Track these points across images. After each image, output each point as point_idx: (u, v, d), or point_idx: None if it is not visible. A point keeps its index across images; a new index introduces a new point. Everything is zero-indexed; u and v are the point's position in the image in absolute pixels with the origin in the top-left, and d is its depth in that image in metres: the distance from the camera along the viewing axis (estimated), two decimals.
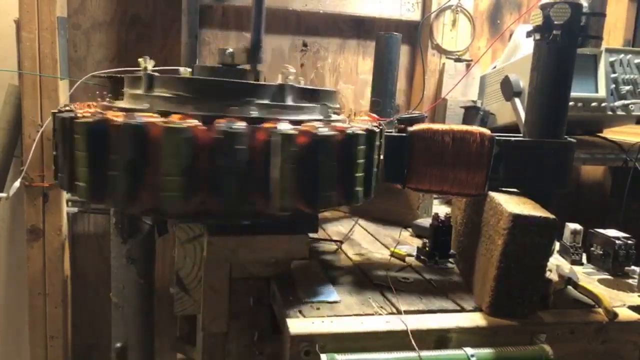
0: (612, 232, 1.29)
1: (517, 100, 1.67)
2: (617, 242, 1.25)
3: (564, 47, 1.10)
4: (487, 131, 1.13)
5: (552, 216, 0.92)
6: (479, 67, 2.02)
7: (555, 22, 1.09)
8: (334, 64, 2.02)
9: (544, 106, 1.14)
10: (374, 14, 1.96)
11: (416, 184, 1.16)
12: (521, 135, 1.23)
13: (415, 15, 2.00)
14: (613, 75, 1.62)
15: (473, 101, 1.94)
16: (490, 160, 1.11)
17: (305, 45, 1.97)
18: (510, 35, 2.19)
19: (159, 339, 1.68)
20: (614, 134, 1.89)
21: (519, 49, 1.93)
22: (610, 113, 1.61)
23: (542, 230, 0.91)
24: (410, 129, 1.14)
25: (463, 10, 1.99)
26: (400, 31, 1.93)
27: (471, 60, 1.96)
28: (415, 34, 2.04)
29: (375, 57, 1.73)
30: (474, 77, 1.97)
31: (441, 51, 1.99)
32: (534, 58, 1.16)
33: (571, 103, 1.57)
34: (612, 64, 1.62)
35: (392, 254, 1.28)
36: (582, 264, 1.31)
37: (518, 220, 0.91)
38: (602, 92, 1.60)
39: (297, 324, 0.84)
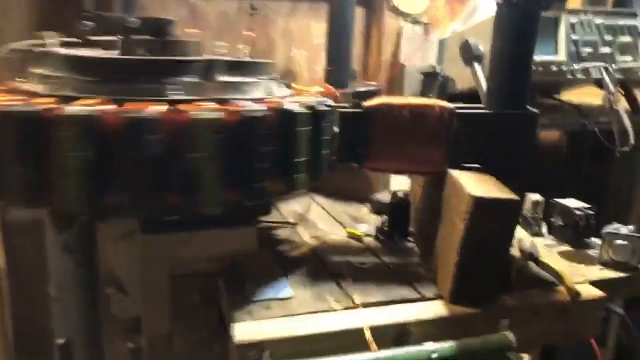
0: (572, 202, 1.26)
1: (476, 65, 1.60)
2: (577, 212, 1.22)
3: (528, 10, 1.02)
4: (447, 104, 1.05)
5: (515, 197, 0.86)
6: (438, 29, 1.93)
7: None
8: (285, 29, 1.89)
9: (506, 74, 1.07)
10: None
11: (374, 163, 1.08)
12: (482, 105, 1.16)
13: None
14: (573, 37, 1.57)
15: (432, 66, 1.86)
16: (450, 136, 1.04)
17: (253, 8, 1.82)
18: None
19: (108, 329, 1.58)
20: (570, 96, 1.86)
21: (478, 10, 1.85)
22: (570, 77, 1.56)
23: (505, 213, 0.86)
24: (365, 104, 1.05)
25: None
26: None
27: (429, 24, 1.86)
28: None
29: (329, 22, 1.62)
30: (433, 40, 1.88)
31: (398, 13, 1.89)
32: (495, 22, 1.08)
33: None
34: (572, 26, 1.57)
35: (350, 235, 1.21)
36: (542, 236, 1.29)
37: (480, 203, 0.84)
38: (562, 55, 1.55)
39: (245, 329, 0.76)
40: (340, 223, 1.31)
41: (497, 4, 1.05)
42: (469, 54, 1.61)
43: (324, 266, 1.03)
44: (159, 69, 0.84)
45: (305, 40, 1.92)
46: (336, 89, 1.49)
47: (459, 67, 1.72)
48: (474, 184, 0.92)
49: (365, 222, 1.31)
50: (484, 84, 1.58)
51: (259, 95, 0.91)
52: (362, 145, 1.04)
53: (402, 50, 1.87)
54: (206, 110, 0.75)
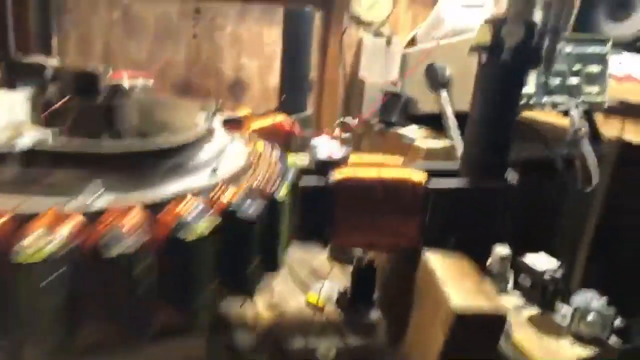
0: (540, 260, 1.21)
1: (443, 94, 1.50)
2: (545, 278, 1.16)
3: (516, 71, 0.92)
4: (421, 178, 0.94)
5: (502, 310, 0.77)
6: (401, 40, 1.80)
7: (507, 45, 0.89)
8: (234, 34, 1.69)
9: (487, 141, 0.97)
10: None
11: (342, 239, 0.97)
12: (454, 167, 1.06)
13: None
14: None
15: (394, 82, 1.74)
16: (425, 210, 0.94)
17: (197, 11, 1.61)
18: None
19: None
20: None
21: (443, 24, 1.73)
22: (539, 110, 1.49)
23: (490, 327, 0.77)
24: (333, 178, 0.92)
25: None
26: None
27: (392, 36, 1.72)
28: None
29: (284, 38, 1.45)
30: (394, 54, 1.75)
31: (359, 23, 1.73)
32: (478, 79, 0.96)
33: None
34: None
35: (309, 304, 1.10)
36: (508, 293, 1.23)
37: (463, 320, 0.75)
38: (531, 87, 1.47)
39: None
40: (298, 279, 1.19)
41: (481, 65, 0.94)
42: (434, 80, 1.50)
43: (284, 357, 0.92)
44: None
45: (256, 48, 1.74)
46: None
47: (422, 87, 1.62)
48: (454, 282, 0.82)
49: (325, 278, 1.20)
50: (450, 115, 1.49)
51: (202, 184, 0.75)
52: (327, 221, 0.92)
53: (363, 64, 1.72)
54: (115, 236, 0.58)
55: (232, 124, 1.23)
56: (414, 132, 1.60)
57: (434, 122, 1.62)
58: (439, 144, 1.51)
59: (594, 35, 1.60)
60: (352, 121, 1.75)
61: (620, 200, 1.68)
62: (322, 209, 0.92)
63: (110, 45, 1.51)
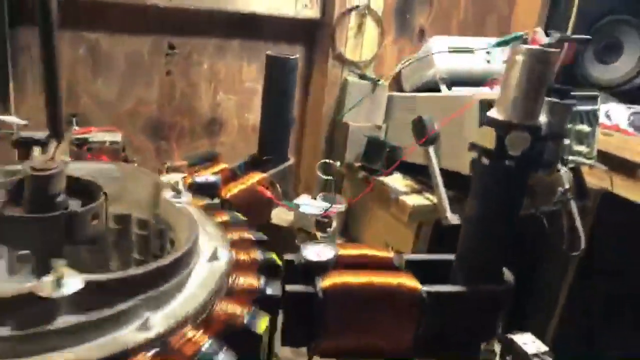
0: (528, 342, 1.17)
1: (431, 150, 1.43)
2: None
3: (521, 174, 0.86)
4: (416, 283, 0.88)
5: None
6: (385, 79, 1.72)
7: (512, 153, 0.83)
8: (211, 70, 1.58)
9: (486, 241, 0.91)
10: (261, 11, 1.52)
11: (328, 345, 0.90)
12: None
13: (313, 12, 1.59)
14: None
15: (378, 127, 1.66)
16: (422, 318, 0.88)
17: (172, 47, 1.49)
18: (421, 33, 1.91)
19: None
20: None
21: (432, 66, 1.66)
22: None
23: None
24: (321, 284, 0.85)
25: (371, 11, 1.63)
26: (296, 31, 1.54)
27: (378, 80, 1.64)
28: (313, 33, 1.66)
29: (266, 85, 1.35)
30: (380, 97, 1.67)
31: (343, 61, 1.65)
32: (476, 178, 0.90)
33: None
34: None
35: None
36: None
37: None
38: None
39: None
40: None
41: (482, 165, 0.87)
42: (422, 134, 1.43)
43: None
44: None
45: (234, 84, 1.64)
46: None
47: (408, 135, 1.55)
48: None
49: None
50: (437, 172, 1.43)
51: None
52: (314, 330, 0.85)
53: (347, 105, 1.64)
54: None
55: (205, 189, 1.14)
56: (398, 183, 1.54)
57: (419, 172, 1.57)
58: (424, 201, 1.45)
59: (584, 90, 1.56)
60: (335, 164, 1.68)
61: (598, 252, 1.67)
62: (308, 317, 0.85)
63: (75, 83, 1.39)
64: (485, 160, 0.87)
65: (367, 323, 0.87)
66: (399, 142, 1.59)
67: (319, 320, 0.85)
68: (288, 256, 0.94)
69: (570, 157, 1.47)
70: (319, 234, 1.28)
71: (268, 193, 1.18)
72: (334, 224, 1.31)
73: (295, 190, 1.79)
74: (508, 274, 0.94)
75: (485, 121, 0.87)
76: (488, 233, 0.90)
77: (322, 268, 0.87)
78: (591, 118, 1.52)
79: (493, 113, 0.86)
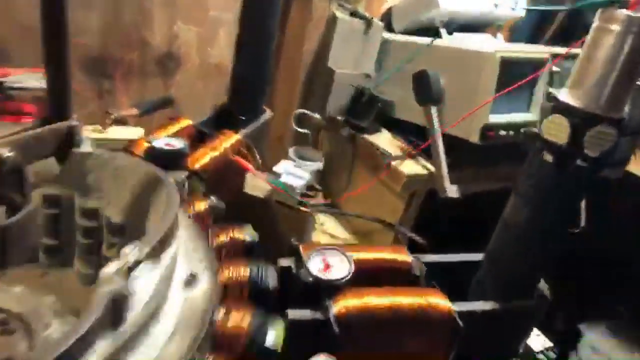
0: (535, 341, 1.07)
1: (433, 111, 1.23)
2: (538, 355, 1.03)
3: (586, 181, 0.68)
4: (448, 303, 0.71)
5: None
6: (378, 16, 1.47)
7: (589, 152, 0.64)
8: None
9: (530, 254, 0.74)
10: None
11: None
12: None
13: None
14: (550, 90, 1.26)
15: (367, 75, 1.43)
16: (453, 339, 0.72)
17: None
18: None
19: None
20: None
21: (435, 6, 1.41)
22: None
23: None
24: (334, 310, 0.65)
25: None
26: None
27: (372, 18, 1.38)
28: None
29: (243, 18, 1.07)
30: (373, 40, 1.42)
31: None
32: (529, 180, 0.71)
33: (502, 132, 1.19)
34: (551, 75, 1.25)
35: None
36: None
37: None
38: (535, 114, 1.25)
39: None
40: None
41: (544, 162, 0.68)
42: (424, 92, 1.22)
43: None
44: None
45: (196, 12, 1.32)
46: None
47: (402, 90, 1.34)
48: None
49: None
50: (438, 138, 1.23)
51: None
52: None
53: (333, 51, 1.38)
54: None
55: (169, 159, 0.90)
56: (389, 144, 1.34)
57: (411, 132, 1.37)
58: (420, 169, 1.27)
59: None
60: (314, 116, 1.45)
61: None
62: (315, 349, 0.66)
63: None
64: (548, 157, 0.68)
65: (390, 354, 0.70)
66: (391, 96, 1.37)
67: (330, 351, 0.67)
68: (283, 261, 0.74)
69: None
70: (303, 209, 1.07)
71: (247, 165, 0.94)
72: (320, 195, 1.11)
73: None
74: (543, 285, 0.79)
75: (552, 106, 0.68)
76: (536, 244, 0.73)
77: (331, 289, 0.68)
78: None
79: (566, 97, 0.66)
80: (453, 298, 0.72)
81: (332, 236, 1.36)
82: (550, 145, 0.66)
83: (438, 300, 0.71)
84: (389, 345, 0.68)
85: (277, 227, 1.11)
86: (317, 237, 1.34)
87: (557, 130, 0.65)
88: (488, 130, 1.15)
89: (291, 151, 1.50)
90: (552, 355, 1.05)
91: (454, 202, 1.22)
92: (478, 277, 0.81)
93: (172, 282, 0.51)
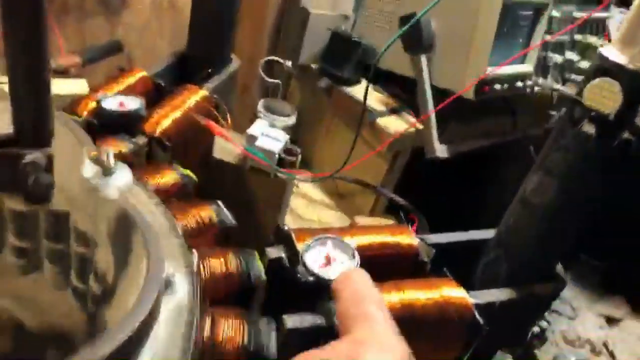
0: None
1: (423, 59, 1.10)
2: None
3: (630, 158, 0.58)
4: (465, 298, 0.61)
5: None
6: None
7: None
8: None
9: (554, 237, 0.65)
10: None
11: None
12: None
13: None
14: (547, 38, 1.15)
15: (345, 17, 1.26)
16: (470, 336, 0.63)
17: None
18: None
19: None
20: None
21: None
22: (528, 93, 1.18)
23: None
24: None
25: None
26: None
27: None
28: None
29: None
30: None
31: None
32: (561, 154, 0.60)
33: (497, 86, 1.08)
34: (550, 21, 1.13)
35: None
36: None
37: None
38: (530, 65, 1.14)
39: None
40: None
41: (583, 134, 0.57)
42: (416, 40, 1.09)
43: None
44: None
45: None
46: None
47: (385, 32, 1.20)
48: None
49: None
50: (427, 91, 1.11)
51: None
52: None
53: None
54: None
55: (122, 121, 0.74)
56: (370, 98, 1.21)
57: (396, 84, 1.24)
58: (406, 126, 1.15)
59: None
60: (285, 64, 1.28)
61: None
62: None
63: None
64: (589, 128, 0.57)
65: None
66: (374, 41, 1.22)
67: None
68: (271, 252, 0.62)
69: (573, 76, 1.22)
70: (282, 176, 0.94)
71: (217, 128, 0.79)
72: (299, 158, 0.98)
73: None
74: (560, 269, 0.71)
75: (597, 67, 0.56)
76: (566, 224, 0.64)
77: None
78: (600, 27, 1.27)
79: (615, 56, 0.55)
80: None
81: (308, 199, 1.25)
82: (594, 115, 0.55)
83: (454, 293, 0.61)
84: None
85: (251, 197, 0.98)
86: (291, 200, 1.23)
87: (605, 97, 0.54)
88: (484, 84, 1.04)
89: (260, 104, 1.34)
90: None
91: (442, 162, 1.13)
92: (488, 259, 0.73)
93: None
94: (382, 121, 1.13)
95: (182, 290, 0.42)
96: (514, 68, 1.11)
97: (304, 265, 0.56)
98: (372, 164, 1.21)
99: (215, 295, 0.54)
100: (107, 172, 0.45)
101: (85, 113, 0.74)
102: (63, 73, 0.95)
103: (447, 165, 1.16)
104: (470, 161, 1.26)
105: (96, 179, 0.44)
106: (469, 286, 0.63)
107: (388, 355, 0.34)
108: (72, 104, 0.75)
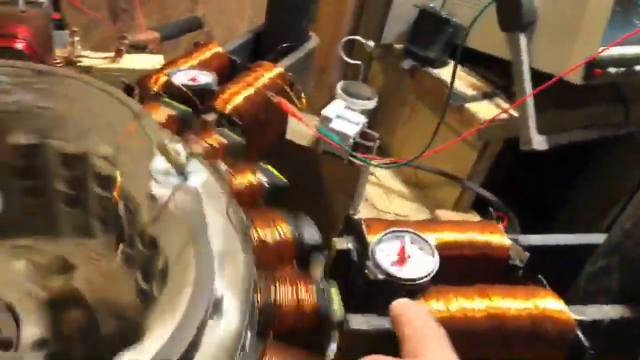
0: None
1: (522, 38, 0.98)
2: None
3: None
4: (566, 313, 0.51)
5: None
6: None
7: None
8: None
9: None
10: None
11: None
12: None
13: None
14: None
15: None
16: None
17: None
18: None
19: None
20: None
21: None
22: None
23: None
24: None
25: None
26: None
27: None
28: None
29: None
30: None
31: None
32: None
33: (611, 69, 0.94)
34: None
35: None
36: None
37: None
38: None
39: None
40: None
41: None
42: (512, 16, 0.97)
43: None
44: None
45: None
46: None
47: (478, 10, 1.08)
48: None
49: None
50: (526, 74, 0.99)
51: None
52: None
53: None
54: None
55: (197, 95, 0.71)
56: (460, 80, 1.10)
57: (489, 66, 1.12)
58: (496, 112, 1.03)
59: None
60: (367, 44, 1.21)
61: None
62: None
63: None
64: None
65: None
66: (464, 19, 1.11)
67: None
68: (339, 243, 0.56)
69: None
70: (357, 162, 0.88)
71: (291, 108, 0.74)
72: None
73: None
74: None
75: None
76: None
77: (414, 289, 0.49)
78: None
79: None
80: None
81: (385, 188, 1.17)
82: None
83: (552, 305, 0.52)
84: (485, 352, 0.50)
85: (323, 182, 0.92)
86: (366, 188, 1.16)
87: None
88: (594, 66, 0.90)
89: (339, 87, 1.28)
90: None
91: (540, 155, 1.00)
92: (595, 268, 0.62)
93: None
94: (471, 106, 1.03)
95: (232, 310, 0.36)
96: (633, 49, 0.96)
97: (374, 260, 0.49)
98: (459, 154, 1.11)
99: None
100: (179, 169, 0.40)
101: (155, 87, 0.72)
102: (141, 49, 0.94)
103: (543, 159, 1.04)
104: (571, 155, 1.12)
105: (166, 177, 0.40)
106: (566, 299, 0.54)
107: None
108: (143, 78, 0.73)
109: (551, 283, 0.56)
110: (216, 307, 0.34)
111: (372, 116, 1.31)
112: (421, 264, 0.50)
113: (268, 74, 0.80)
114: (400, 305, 0.41)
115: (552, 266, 0.62)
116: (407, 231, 0.53)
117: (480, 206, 1.17)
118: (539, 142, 0.99)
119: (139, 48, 0.95)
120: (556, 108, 1.07)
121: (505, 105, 1.04)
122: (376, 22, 1.18)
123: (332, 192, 0.92)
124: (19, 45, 0.73)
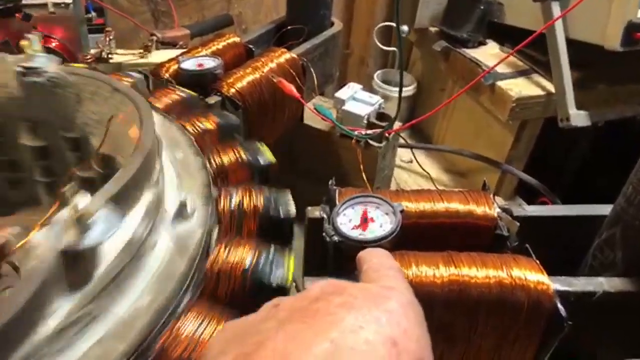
0: None
1: (555, 8, 0.91)
2: None
3: None
4: (547, 284, 0.47)
5: None
6: None
7: None
8: None
9: None
10: None
11: None
12: None
13: None
14: None
15: None
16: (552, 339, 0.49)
17: None
18: None
19: None
20: None
21: None
22: None
23: None
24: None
25: None
26: None
27: None
28: None
29: None
30: None
31: None
32: None
33: None
34: None
35: None
36: None
37: None
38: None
39: None
40: None
41: None
42: None
43: None
44: None
45: None
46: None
47: None
48: None
49: None
50: (561, 45, 0.92)
51: None
52: None
53: None
54: None
55: (195, 81, 0.74)
56: (494, 60, 1.05)
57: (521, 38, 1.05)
58: (534, 89, 0.97)
59: None
60: (401, 29, 1.19)
61: None
62: None
63: None
64: None
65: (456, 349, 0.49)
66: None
67: None
68: (313, 211, 0.56)
69: None
70: (374, 144, 0.87)
71: (291, 89, 0.75)
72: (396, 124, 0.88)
73: (344, 64, 1.34)
74: None
75: None
76: None
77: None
78: None
79: None
80: (555, 270, 0.49)
81: (423, 176, 1.14)
82: None
83: (530, 276, 0.48)
84: (450, 340, 0.48)
85: (342, 165, 0.92)
86: (401, 175, 1.13)
87: None
88: (634, 30, 0.82)
89: (376, 76, 1.27)
90: None
91: (582, 133, 0.92)
92: (600, 241, 0.56)
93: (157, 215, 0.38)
94: (503, 84, 0.97)
95: (196, 213, 0.42)
96: None
97: (333, 224, 0.49)
98: (495, 136, 1.05)
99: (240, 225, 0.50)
100: None
101: (168, 74, 0.77)
102: (173, 45, 1.00)
103: (589, 138, 0.96)
104: (625, 134, 1.02)
105: None
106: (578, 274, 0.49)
107: (416, 307, 0.31)
108: (156, 67, 0.78)
109: (562, 261, 0.51)
110: (184, 208, 0.38)
111: (413, 102, 1.28)
112: (382, 227, 0.49)
113: (277, 59, 0.82)
114: (364, 251, 0.41)
115: (564, 241, 0.58)
116: (373, 196, 0.52)
117: (527, 192, 1.10)
118: (578, 118, 0.91)
119: (170, 44, 1.01)
120: (600, 82, 0.98)
121: (545, 83, 0.98)
122: (409, 6, 1.16)
123: (353, 176, 0.92)
124: (53, 45, 0.81)
